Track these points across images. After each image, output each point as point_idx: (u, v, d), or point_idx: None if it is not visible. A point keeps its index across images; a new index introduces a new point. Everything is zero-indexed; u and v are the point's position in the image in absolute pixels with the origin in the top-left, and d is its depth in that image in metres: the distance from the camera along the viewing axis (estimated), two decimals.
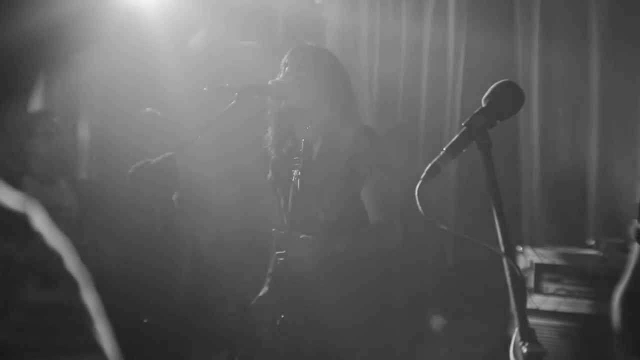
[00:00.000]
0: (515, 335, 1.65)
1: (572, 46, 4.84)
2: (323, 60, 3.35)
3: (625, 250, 4.13)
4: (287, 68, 3.28)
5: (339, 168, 3.16)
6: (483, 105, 1.94)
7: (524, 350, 1.60)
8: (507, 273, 1.71)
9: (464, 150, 1.91)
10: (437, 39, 5.18)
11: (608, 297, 3.96)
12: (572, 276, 4.15)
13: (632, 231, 2.42)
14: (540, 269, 4.20)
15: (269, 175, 3.39)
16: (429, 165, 1.88)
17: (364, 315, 3.13)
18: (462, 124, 1.92)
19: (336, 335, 3.11)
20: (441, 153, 1.89)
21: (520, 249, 4.25)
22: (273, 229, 3.11)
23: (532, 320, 4.04)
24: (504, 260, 1.72)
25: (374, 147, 3.17)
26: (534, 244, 4.35)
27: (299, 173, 3.10)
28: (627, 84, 4.71)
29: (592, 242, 4.30)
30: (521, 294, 1.69)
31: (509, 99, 1.95)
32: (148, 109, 4.61)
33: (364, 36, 5.29)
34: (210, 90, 3.22)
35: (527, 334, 1.65)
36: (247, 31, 5.24)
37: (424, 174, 1.87)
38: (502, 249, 1.74)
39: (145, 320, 3.36)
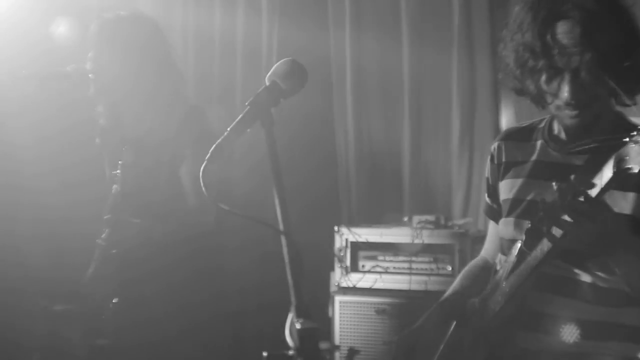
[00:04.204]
0: (291, 313, 1.68)
1: (383, 34, 4.96)
2: (127, 35, 3.02)
3: (437, 225, 4.30)
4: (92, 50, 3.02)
5: (163, 156, 3.04)
6: (267, 84, 1.96)
7: (298, 326, 1.64)
8: (284, 251, 1.74)
9: (248, 130, 1.93)
10: (250, 32, 5.20)
11: (421, 273, 4.14)
12: (386, 253, 4.28)
13: (482, 207, 2.55)
14: (355, 247, 4.31)
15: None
16: (213, 147, 1.88)
17: (183, 304, 3.06)
18: (246, 104, 1.94)
19: (159, 322, 3.06)
20: (225, 133, 1.90)
21: (337, 228, 4.35)
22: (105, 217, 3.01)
23: (349, 298, 4.18)
24: (282, 239, 1.75)
25: (200, 129, 3.02)
26: (352, 224, 4.45)
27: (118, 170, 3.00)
28: (436, 67, 4.87)
29: (406, 219, 4.44)
30: (297, 271, 1.72)
31: (291, 77, 1.96)
32: None
33: (177, 30, 5.21)
34: (9, 79, 3.09)
35: (303, 311, 1.68)
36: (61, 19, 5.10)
37: (208, 155, 1.87)
38: (282, 227, 1.77)
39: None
